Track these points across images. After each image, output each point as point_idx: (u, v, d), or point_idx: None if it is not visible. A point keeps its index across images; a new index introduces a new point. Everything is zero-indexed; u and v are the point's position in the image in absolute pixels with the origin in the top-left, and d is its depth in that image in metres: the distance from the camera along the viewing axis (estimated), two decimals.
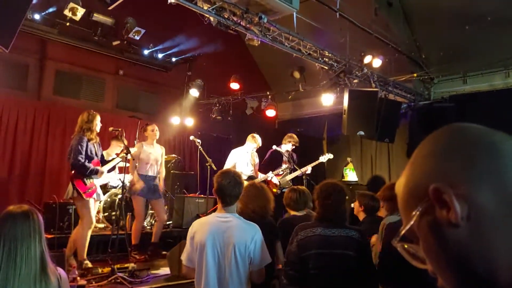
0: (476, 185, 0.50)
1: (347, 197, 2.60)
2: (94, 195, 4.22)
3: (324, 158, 6.02)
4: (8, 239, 1.68)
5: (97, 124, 4.32)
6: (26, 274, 1.65)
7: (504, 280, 0.48)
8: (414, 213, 0.53)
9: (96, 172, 4.24)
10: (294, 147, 6.02)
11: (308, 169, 5.83)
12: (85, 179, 4.16)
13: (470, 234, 0.49)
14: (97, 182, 4.34)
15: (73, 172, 4.18)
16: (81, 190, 4.10)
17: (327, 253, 2.35)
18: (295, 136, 6.09)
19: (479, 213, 0.49)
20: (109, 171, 4.60)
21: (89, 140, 4.21)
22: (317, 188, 2.57)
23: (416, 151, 0.58)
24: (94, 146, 4.30)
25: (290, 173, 5.97)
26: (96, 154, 4.32)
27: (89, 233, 4.20)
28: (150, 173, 5.16)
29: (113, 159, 4.56)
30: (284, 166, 5.90)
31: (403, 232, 0.55)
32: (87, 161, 4.16)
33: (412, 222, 0.54)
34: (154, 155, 5.21)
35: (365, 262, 2.43)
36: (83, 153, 4.12)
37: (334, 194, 2.46)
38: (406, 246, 0.56)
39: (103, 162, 4.45)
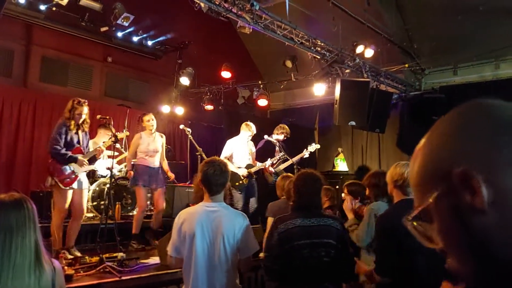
0: (503, 169, 0.47)
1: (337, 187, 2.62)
2: (74, 185, 4.09)
3: (312, 147, 6.07)
4: (2, 228, 1.64)
5: (81, 114, 4.16)
6: (21, 264, 1.62)
7: None
8: (431, 194, 0.51)
9: (75, 160, 4.09)
10: (285, 138, 6.09)
11: (299, 158, 5.89)
12: (64, 167, 4.03)
13: (494, 220, 0.47)
14: (80, 170, 4.18)
15: (50, 160, 4.06)
16: (59, 178, 3.97)
17: (308, 243, 2.37)
18: (287, 127, 6.16)
19: (505, 199, 0.47)
20: (91, 160, 4.47)
21: (70, 128, 4.08)
22: (294, 177, 2.62)
23: (434, 128, 0.55)
24: (78, 134, 4.18)
25: (283, 162, 6.04)
26: (78, 142, 4.19)
27: (62, 222, 4.08)
28: (150, 163, 5.04)
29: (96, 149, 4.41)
30: (277, 155, 5.97)
31: (416, 212, 0.53)
32: (64, 149, 4.03)
33: (428, 202, 0.51)
34: (154, 145, 5.08)
35: (343, 250, 2.48)
36: (61, 141, 4.01)
37: (310, 182, 2.48)
38: (415, 224, 0.55)
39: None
